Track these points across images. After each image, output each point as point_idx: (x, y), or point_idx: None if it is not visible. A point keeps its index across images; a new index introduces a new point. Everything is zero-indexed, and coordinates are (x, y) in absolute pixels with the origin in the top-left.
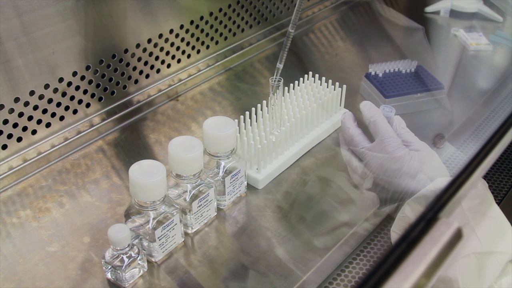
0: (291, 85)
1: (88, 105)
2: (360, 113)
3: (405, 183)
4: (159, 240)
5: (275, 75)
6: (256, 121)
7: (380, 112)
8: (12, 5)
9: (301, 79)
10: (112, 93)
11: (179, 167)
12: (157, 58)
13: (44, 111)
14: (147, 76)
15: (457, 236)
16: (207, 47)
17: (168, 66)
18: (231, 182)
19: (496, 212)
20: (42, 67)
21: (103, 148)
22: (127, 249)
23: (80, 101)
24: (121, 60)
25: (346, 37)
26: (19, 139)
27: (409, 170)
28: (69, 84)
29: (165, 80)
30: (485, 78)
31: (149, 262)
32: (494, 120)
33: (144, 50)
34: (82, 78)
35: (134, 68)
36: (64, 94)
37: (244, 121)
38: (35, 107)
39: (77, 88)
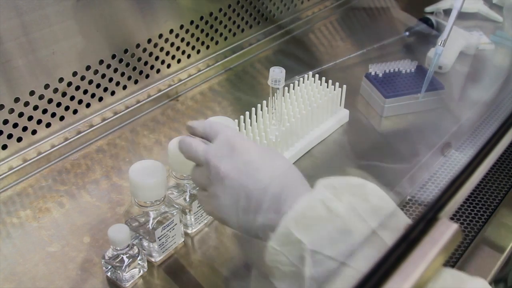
0: (291, 85)
1: (88, 105)
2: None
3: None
4: (159, 240)
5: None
6: (256, 121)
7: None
8: (12, 5)
9: (301, 79)
10: (112, 93)
11: (179, 167)
12: (157, 58)
13: (44, 111)
14: (147, 76)
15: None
16: (207, 47)
17: (168, 66)
18: None
19: None
20: (42, 67)
21: (103, 148)
22: (127, 249)
23: (80, 101)
24: (121, 60)
25: (346, 37)
26: (19, 139)
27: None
28: (69, 84)
29: (165, 80)
30: (486, 78)
31: (149, 262)
32: (494, 120)
33: (144, 50)
34: (82, 78)
35: (134, 68)
36: (64, 94)
37: (244, 121)
38: (35, 107)
39: (77, 88)
